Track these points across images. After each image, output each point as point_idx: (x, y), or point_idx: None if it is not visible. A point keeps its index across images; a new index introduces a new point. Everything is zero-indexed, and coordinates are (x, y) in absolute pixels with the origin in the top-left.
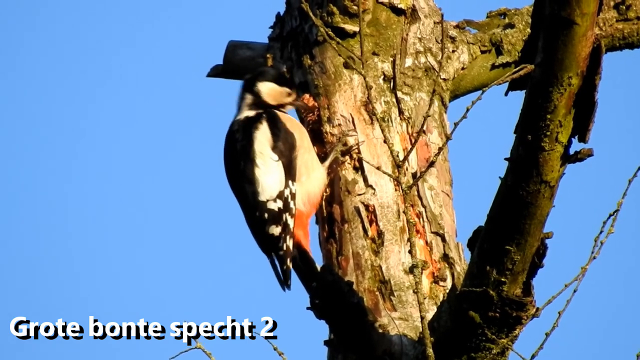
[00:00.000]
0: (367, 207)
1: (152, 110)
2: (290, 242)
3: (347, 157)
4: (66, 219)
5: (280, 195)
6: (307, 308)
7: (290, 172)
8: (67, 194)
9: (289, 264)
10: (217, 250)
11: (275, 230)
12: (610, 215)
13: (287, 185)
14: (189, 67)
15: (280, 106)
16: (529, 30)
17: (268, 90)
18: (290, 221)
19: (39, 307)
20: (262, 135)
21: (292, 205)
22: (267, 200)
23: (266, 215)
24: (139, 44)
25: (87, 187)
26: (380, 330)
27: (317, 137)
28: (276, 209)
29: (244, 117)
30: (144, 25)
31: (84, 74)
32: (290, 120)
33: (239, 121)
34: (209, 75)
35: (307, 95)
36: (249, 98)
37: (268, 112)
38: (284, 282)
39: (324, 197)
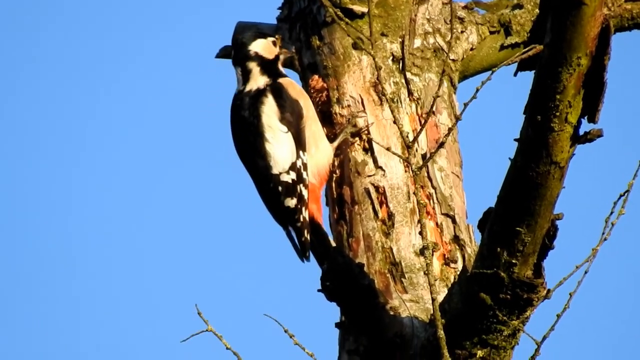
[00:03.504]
0: (377, 188)
1: (160, 92)
2: (306, 214)
3: (357, 139)
4: (67, 219)
5: (292, 167)
6: (318, 290)
7: (300, 143)
8: (68, 194)
9: (307, 235)
10: (218, 250)
11: (291, 202)
12: (621, 196)
13: (298, 156)
14: (197, 47)
15: (277, 59)
16: (537, 10)
17: (262, 46)
18: (305, 192)
19: (40, 307)
20: (269, 109)
21: (305, 176)
22: (280, 173)
23: (280, 188)
24: (146, 24)
25: (88, 187)
26: (392, 313)
27: (327, 118)
28: (290, 181)
29: (251, 89)
30: (151, 5)
31: (85, 67)
32: (293, 86)
33: (245, 94)
34: (218, 56)
35: (316, 77)
36: (253, 66)
37: (273, 85)
38: (302, 254)
39: (335, 178)
